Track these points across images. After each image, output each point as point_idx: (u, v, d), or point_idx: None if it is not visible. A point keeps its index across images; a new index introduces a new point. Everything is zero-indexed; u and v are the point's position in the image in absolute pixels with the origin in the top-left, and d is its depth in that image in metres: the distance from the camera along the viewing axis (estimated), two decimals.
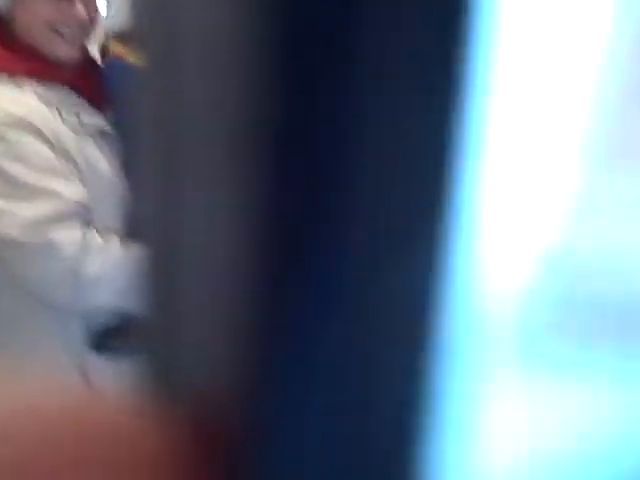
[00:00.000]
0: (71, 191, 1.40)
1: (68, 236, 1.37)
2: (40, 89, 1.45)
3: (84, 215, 1.41)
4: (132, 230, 1.51)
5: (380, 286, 0.15)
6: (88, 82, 1.55)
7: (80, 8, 1.46)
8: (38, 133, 1.40)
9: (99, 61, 1.63)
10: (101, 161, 1.50)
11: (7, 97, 1.43)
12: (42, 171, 1.39)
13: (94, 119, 1.52)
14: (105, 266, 1.40)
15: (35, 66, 1.46)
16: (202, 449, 0.16)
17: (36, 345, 1.49)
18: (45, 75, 1.46)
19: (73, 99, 1.51)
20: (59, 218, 1.37)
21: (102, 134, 1.53)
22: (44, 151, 1.40)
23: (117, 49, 1.61)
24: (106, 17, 1.62)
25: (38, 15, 1.45)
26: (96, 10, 1.53)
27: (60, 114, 1.45)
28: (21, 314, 1.51)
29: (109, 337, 1.54)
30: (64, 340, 1.49)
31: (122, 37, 1.64)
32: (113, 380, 1.46)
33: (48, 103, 1.44)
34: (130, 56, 1.55)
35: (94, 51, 1.63)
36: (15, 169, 1.38)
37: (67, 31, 1.46)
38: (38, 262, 1.37)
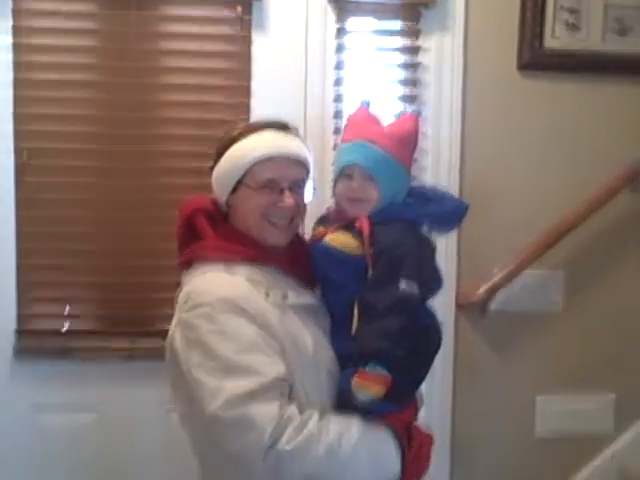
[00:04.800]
0: (271, 368, 1.49)
1: (265, 411, 1.44)
2: (250, 272, 1.60)
3: (283, 390, 1.49)
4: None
5: None
6: (295, 262, 1.69)
7: (289, 199, 1.63)
8: (244, 313, 1.52)
9: (306, 242, 1.76)
10: (305, 335, 1.60)
11: (219, 282, 1.57)
12: (245, 349, 1.49)
13: (300, 295, 1.65)
14: (301, 441, 1.46)
15: (248, 252, 1.62)
16: None
17: None
18: (256, 259, 1.62)
19: (281, 278, 1.64)
20: (257, 394, 1.45)
21: (307, 309, 1.64)
22: (248, 330, 1.51)
23: (319, 231, 1.72)
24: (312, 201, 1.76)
25: (253, 206, 1.63)
26: (303, 199, 1.69)
27: (267, 293, 1.58)
28: None
29: None
30: None
31: (323, 220, 1.77)
32: None
33: (256, 284, 1.58)
34: (331, 237, 1.66)
35: (301, 233, 1.79)
36: (221, 347, 1.49)
37: (278, 220, 1.64)
38: (236, 436, 1.45)
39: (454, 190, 2.59)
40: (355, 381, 1.53)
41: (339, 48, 2.61)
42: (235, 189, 1.68)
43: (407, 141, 1.72)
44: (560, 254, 2.67)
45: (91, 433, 2.62)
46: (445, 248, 2.59)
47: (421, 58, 2.66)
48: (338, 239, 1.65)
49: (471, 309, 2.68)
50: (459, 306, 2.67)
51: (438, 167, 2.65)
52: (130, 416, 2.62)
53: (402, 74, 2.66)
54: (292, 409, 1.50)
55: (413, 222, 1.67)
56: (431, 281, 1.67)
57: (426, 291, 1.63)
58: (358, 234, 1.63)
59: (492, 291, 2.63)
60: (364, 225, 1.63)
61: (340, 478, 1.53)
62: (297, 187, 1.70)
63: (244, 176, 1.67)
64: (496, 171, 2.69)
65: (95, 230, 2.56)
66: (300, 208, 1.71)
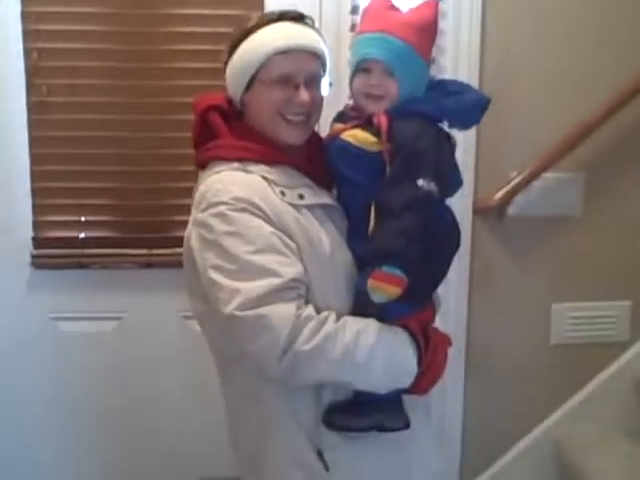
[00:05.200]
0: (288, 269, 1.47)
1: (282, 312, 1.44)
2: (267, 172, 1.56)
3: (300, 291, 1.49)
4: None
5: None
6: (312, 162, 1.65)
7: (305, 95, 1.58)
8: (260, 212, 1.50)
9: (323, 141, 1.71)
10: (322, 235, 1.58)
11: (235, 180, 1.54)
12: (261, 249, 1.47)
13: (316, 195, 1.61)
14: (318, 342, 1.46)
15: (263, 151, 1.58)
16: None
17: (269, 418, 1.61)
18: (271, 158, 1.58)
19: (297, 178, 1.61)
20: (274, 295, 1.44)
21: (324, 209, 1.61)
22: (264, 230, 1.49)
23: (336, 128, 1.66)
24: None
25: (267, 102, 1.59)
26: (320, 95, 1.64)
27: (282, 192, 1.55)
28: (253, 389, 1.62)
29: (338, 413, 1.60)
30: (295, 413, 1.59)
31: (341, 117, 1.70)
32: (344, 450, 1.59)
33: (273, 183, 1.55)
34: (348, 134, 1.61)
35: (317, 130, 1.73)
36: (237, 247, 1.47)
37: (292, 116, 1.59)
38: (252, 336, 1.45)
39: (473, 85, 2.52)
40: (370, 282, 1.51)
41: None
42: (249, 85, 1.64)
43: (427, 30, 1.65)
44: (581, 157, 2.62)
45: (110, 341, 2.64)
46: (464, 150, 2.53)
47: None
48: (356, 135, 1.61)
49: (488, 214, 2.65)
50: (476, 211, 2.64)
51: (457, 62, 2.57)
52: (148, 324, 2.63)
53: None
54: (309, 309, 1.50)
55: (432, 117, 1.62)
56: (450, 179, 1.64)
57: (445, 189, 1.60)
58: (376, 130, 1.59)
59: (510, 195, 2.59)
60: (382, 120, 1.58)
61: (355, 379, 1.54)
62: (313, 82, 1.65)
63: (258, 71, 1.62)
64: (518, 66, 2.60)
65: (109, 134, 2.52)
66: (316, 104, 1.67)
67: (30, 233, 2.54)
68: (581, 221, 2.71)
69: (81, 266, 2.54)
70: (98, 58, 2.48)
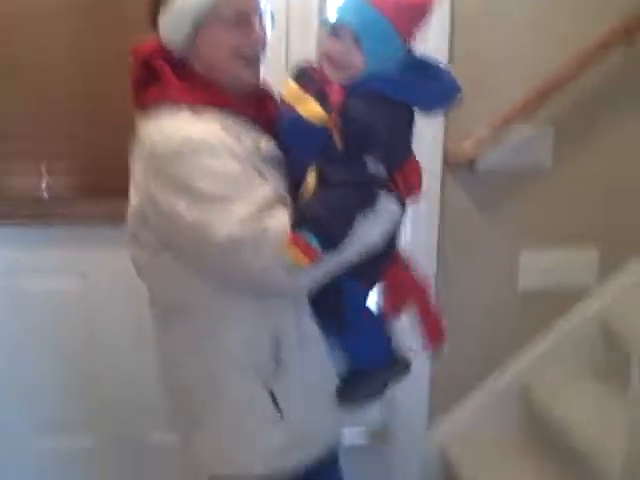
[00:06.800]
0: (268, 186, 1.44)
1: (280, 221, 1.40)
2: (218, 115, 1.48)
3: (286, 203, 1.45)
4: None
5: None
6: (261, 111, 1.59)
7: (258, 30, 1.51)
8: (222, 150, 1.42)
9: (271, 91, 1.65)
10: (280, 187, 1.52)
11: (187, 123, 1.45)
12: (235, 180, 1.41)
13: (268, 145, 1.53)
14: None
15: (213, 95, 1.54)
16: None
17: (222, 365, 1.58)
18: (222, 103, 1.50)
19: (249, 126, 1.53)
20: (268, 206, 1.40)
21: (278, 161, 1.54)
22: (231, 163, 1.42)
23: (292, 92, 1.58)
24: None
25: (222, 43, 1.50)
26: (265, 32, 1.57)
27: (238, 138, 1.47)
28: (205, 334, 1.57)
29: (349, 387, 1.62)
30: (250, 357, 1.55)
31: (301, 75, 1.62)
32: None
33: (226, 127, 1.46)
34: (302, 108, 1.53)
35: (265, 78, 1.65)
36: (209, 186, 1.40)
37: (249, 53, 1.52)
38: (257, 251, 1.39)
39: (443, 43, 2.49)
40: (287, 242, 1.41)
41: None
42: (196, 31, 1.54)
43: (415, 10, 1.51)
44: (550, 111, 2.60)
45: (71, 296, 2.65)
46: None
47: None
48: (309, 108, 1.51)
49: (459, 167, 2.63)
50: (447, 164, 2.62)
51: None
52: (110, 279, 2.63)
53: None
54: None
55: (391, 99, 1.50)
56: (400, 157, 1.56)
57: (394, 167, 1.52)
58: (330, 105, 1.49)
59: (479, 146, 2.56)
60: (335, 96, 1.49)
61: (353, 245, 1.49)
62: (261, 19, 1.58)
63: (207, 14, 1.52)
64: (489, 19, 2.56)
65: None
66: (267, 40, 1.60)
67: None
68: (551, 173, 2.71)
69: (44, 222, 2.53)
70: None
